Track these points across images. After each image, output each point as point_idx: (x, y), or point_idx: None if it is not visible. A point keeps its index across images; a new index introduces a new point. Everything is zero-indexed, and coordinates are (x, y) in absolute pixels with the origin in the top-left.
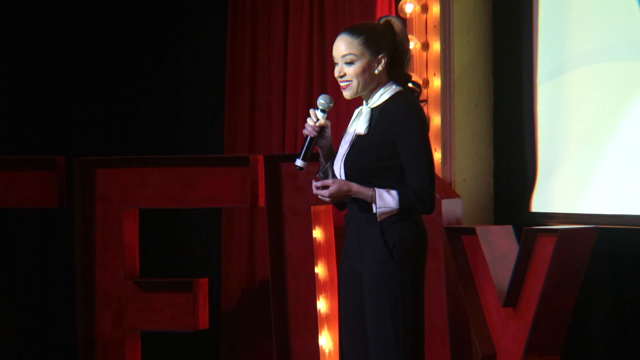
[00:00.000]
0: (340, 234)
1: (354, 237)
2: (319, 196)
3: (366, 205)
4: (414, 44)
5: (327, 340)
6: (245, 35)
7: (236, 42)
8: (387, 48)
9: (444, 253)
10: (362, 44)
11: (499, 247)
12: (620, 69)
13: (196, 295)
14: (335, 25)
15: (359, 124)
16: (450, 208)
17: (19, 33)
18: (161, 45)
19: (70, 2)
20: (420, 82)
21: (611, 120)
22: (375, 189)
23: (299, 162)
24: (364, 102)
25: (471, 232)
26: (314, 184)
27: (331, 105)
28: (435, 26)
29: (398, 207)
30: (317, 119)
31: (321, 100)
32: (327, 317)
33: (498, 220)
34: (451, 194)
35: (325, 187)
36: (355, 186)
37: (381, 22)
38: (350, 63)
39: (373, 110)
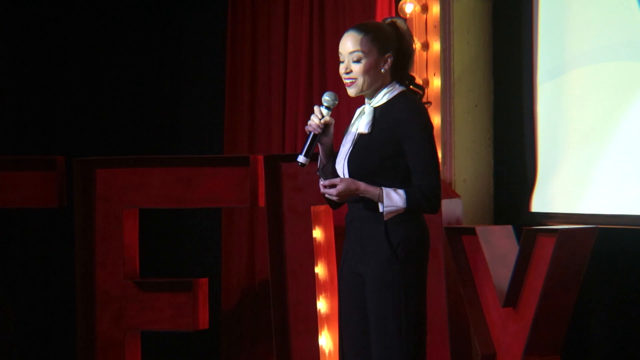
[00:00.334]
0: (340, 234)
1: (357, 237)
2: (326, 195)
3: (369, 204)
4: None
5: (327, 340)
6: (245, 35)
7: (236, 42)
8: (393, 48)
9: (444, 253)
10: (370, 42)
11: (499, 247)
12: (620, 69)
13: (196, 295)
14: (335, 25)
15: (361, 123)
16: (450, 208)
17: (19, 33)
18: (161, 45)
19: (71, 2)
20: (421, 82)
21: (611, 120)
22: (383, 188)
23: (301, 159)
24: (367, 101)
25: (471, 232)
26: (321, 182)
27: (336, 102)
28: (435, 26)
29: (405, 206)
30: (322, 116)
31: (326, 97)
32: (327, 317)
33: (498, 220)
34: (451, 194)
35: (333, 186)
36: (362, 185)
37: (386, 22)
38: (357, 60)
39: (375, 109)
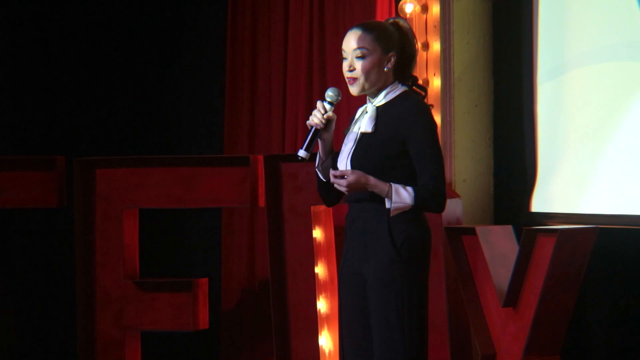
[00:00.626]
0: (340, 234)
1: (359, 236)
2: (335, 185)
3: (372, 205)
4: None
5: (327, 340)
6: (245, 35)
7: (236, 42)
8: (396, 47)
9: (444, 253)
10: (375, 40)
11: (499, 247)
12: (620, 69)
13: (196, 295)
14: (335, 25)
15: (364, 122)
16: (450, 208)
17: (19, 33)
18: (161, 45)
19: (70, 2)
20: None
21: (611, 120)
22: (392, 184)
23: (301, 153)
24: (368, 101)
25: (471, 232)
26: (332, 172)
27: (339, 98)
28: (435, 26)
29: (413, 203)
30: (325, 111)
31: (330, 93)
32: (327, 317)
33: (498, 220)
34: (451, 194)
35: (343, 177)
36: (372, 179)
37: (389, 22)
38: (361, 57)
39: (378, 108)
